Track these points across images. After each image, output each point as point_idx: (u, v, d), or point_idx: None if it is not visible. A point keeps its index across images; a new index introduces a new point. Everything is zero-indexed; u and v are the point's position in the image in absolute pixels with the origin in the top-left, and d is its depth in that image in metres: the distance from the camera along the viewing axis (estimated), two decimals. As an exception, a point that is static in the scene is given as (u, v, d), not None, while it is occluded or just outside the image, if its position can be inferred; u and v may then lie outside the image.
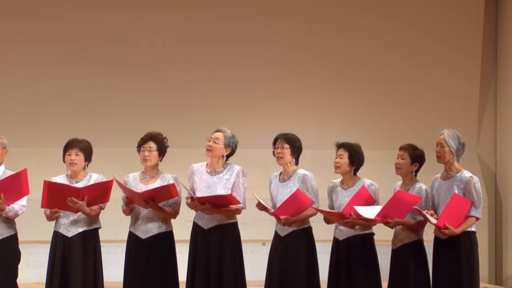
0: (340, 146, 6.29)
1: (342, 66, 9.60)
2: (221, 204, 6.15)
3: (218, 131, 6.30)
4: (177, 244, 6.34)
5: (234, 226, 6.30)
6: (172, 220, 6.34)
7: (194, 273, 6.24)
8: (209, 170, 6.31)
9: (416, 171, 6.20)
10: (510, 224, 9.42)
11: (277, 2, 9.53)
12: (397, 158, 6.19)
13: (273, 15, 9.49)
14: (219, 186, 6.24)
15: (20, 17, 9.14)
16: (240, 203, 6.21)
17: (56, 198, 5.99)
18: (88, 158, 6.28)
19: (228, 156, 6.31)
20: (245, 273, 6.32)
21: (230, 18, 9.43)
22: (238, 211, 6.26)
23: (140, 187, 6.23)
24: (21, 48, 9.13)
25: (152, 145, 6.25)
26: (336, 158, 6.26)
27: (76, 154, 6.20)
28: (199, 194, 6.24)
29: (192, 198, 6.17)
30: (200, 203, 6.12)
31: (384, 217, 5.95)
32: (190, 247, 6.32)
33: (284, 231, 6.22)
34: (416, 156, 6.16)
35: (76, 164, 6.21)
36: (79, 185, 6.20)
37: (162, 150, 6.30)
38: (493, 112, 9.89)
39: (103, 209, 6.27)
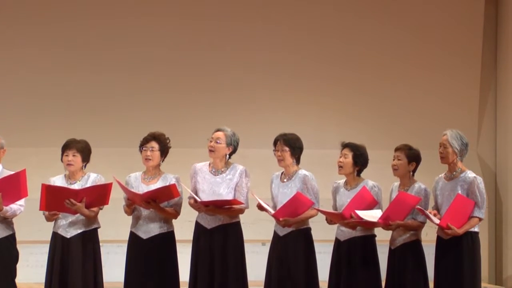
0: (345, 146, 6.27)
1: (342, 69, 9.60)
2: (223, 205, 6.15)
3: (218, 130, 6.30)
4: (178, 244, 6.33)
5: (237, 225, 6.30)
6: (173, 220, 6.34)
7: (197, 272, 6.23)
8: (212, 170, 6.31)
9: (414, 171, 6.19)
10: (510, 224, 9.42)
11: (277, 6, 9.54)
12: (394, 160, 6.18)
13: (273, 20, 9.50)
14: (222, 186, 6.24)
15: (21, 22, 9.15)
16: (243, 203, 6.21)
17: (55, 200, 5.97)
18: (86, 158, 6.26)
19: (230, 155, 6.32)
20: (247, 272, 6.32)
21: (231, 23, 9.44)
22: (241, 211, 6.26)
23: (142, 187, 6.23)
24: (22, 51, 9.14)
25: (154, 145, 6.24)
26: (340, 157, 6.25)
27: (73, 155, 6.19)
28: (202, 194, 6.24)
29: (195, 200, 6.18)
30: (204, 206, 6.13)
31: (386, 219, 5.95)
32: (192, 247, 6.32)
33: (283, 231, 6.22)
34: (412, 156, 6.15)
35: (72, 165, 6.19)
36: (76, 185, 6.19)
37: (164, 150, 6.29)
38: (493, 112, 9.90)
39: (101, 209, 6.26)
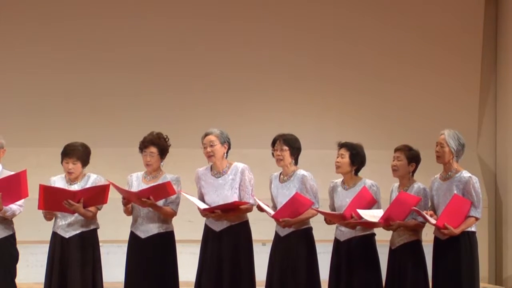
0: (342, 145, 6.27)
1: (342, 69, 9.60)
2: (230, 208, 6.15)
3: (207, 134, 6.29)
4: (177, 244, 6.34)
5: (246, 225, 6.31)
6: (173, 220, 6.34)
7: (202, 274, 6.24)
8: (213, 173, 6.32)
9: (413, 172, 6.19)
10: (510, 224, 9.42)
11: (277, 6, 9.54)
12: (393, 160, 6.18)
13: (273, 20, 9.50)
14: (226, 187, 6.25)
15: (21, 22, 9.16)
16: (248, 203, 6.21)
17: (53, 200, 5.99)
18: (85, 163, 6.29)
19: (227, 152, 6.31)
20: (255, 272, 6.31)
21: (231, 23, 9.45)
22: (249, 209, 6.27)
23: (142, 187, 6.24)
24: (22, 51, 9.15)
25: (153, 150, 6.26)
26: (338, 157, 6.25)
27: (73, 163, 6.21)
28: (208, 198, 6.26)
29: (200, 208, 6.19)
30: (210, 212, 6.14)
31: (386, 220, 5.95)
32: (201, 249, 6.33)
33: (284, 231, 6.22)
34: (412, 156, 6.15)
35: (73, 173, 6.23)
36: (77, 186, 6.22)
37: (163, 152, 6.31)
38: (493, 112, 9.89)
39: (99, 209, 6.28)
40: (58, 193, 6.01)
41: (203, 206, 6.18)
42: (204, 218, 6.34)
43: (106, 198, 6.13)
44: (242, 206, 6.19)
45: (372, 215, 5.98)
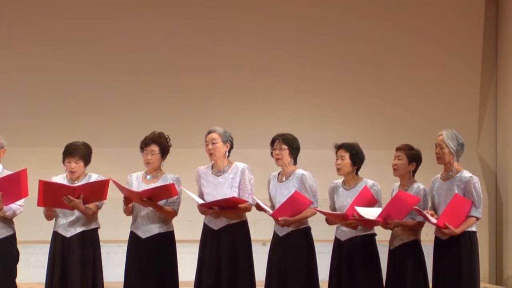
0: (340, 147, 6.25)
1: (342, 69, 9.61)
2: (228, 206, 6.15)
3: (210, 132, 6.30)
4: (177, 244, 6.34)
5: (244, 224, 6.31)
6: (173, 221, 6.34)
7: (202, 274, 6.23)
8: (214, 171, 6.32)
9: (414, 171, 6.19)
10: (510, 224, 9.42)
11: (277, 6, 9.54)
12: (394, 159, 6.18)
13: (273, 20, 9.51)
14: (225, 185, 6.25)
15: (21, 22, 9.17)
16: (246, 201, 6.21)
17: (52, 196, 5.99)
18: (87, 162, 6.30)
19: (229, 151, 6.32)
20: (254, 271, 6.31)
21: (231, 23, 9.45)
22: (247, 208, 6.27)
23: (142, 187, 6.25)
24: (22, 51, 9.16)
25: (154, 148, 6.27)
26: (337, 160, 6.23)
27: (76, 162, 6.22)
28: (208, 197, 6.26)
29: (198, 204, 6.19)
30: (208, 208, 6.14)
31: (385, 218, 5.95)
32: (200, 248, 6.33)
33: (283, 231, 6.22)
34: (413, 156, 6.15)
35: (76, 172, 6.24)
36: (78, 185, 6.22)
37: (164, 152, 6.32)
38: (494, 111, 9.89)
39: (100, 208, 6.28)
40: (58, 189, 6.02)
41: (201, 201, 6.18)
42: (204, 218, 6.34)
43: (106, 194, 6.13)
44: (240, 205, 6.18)
45: (371, 213, 5.98)
